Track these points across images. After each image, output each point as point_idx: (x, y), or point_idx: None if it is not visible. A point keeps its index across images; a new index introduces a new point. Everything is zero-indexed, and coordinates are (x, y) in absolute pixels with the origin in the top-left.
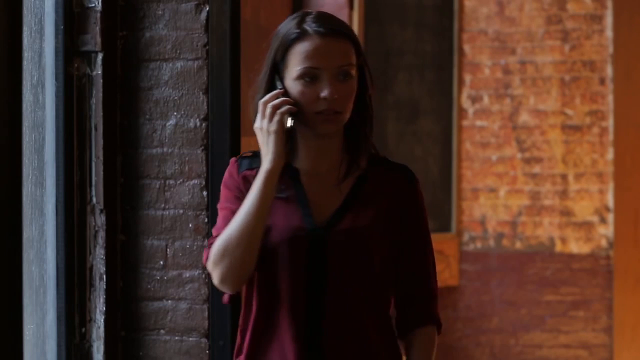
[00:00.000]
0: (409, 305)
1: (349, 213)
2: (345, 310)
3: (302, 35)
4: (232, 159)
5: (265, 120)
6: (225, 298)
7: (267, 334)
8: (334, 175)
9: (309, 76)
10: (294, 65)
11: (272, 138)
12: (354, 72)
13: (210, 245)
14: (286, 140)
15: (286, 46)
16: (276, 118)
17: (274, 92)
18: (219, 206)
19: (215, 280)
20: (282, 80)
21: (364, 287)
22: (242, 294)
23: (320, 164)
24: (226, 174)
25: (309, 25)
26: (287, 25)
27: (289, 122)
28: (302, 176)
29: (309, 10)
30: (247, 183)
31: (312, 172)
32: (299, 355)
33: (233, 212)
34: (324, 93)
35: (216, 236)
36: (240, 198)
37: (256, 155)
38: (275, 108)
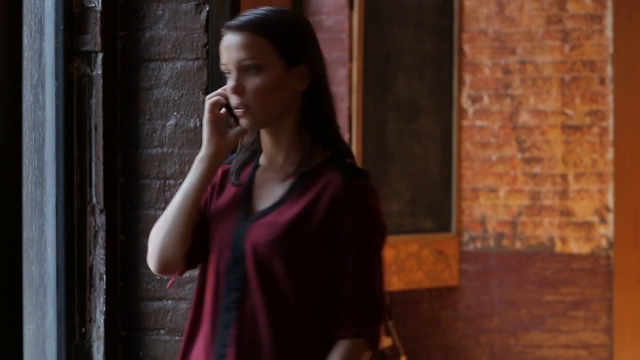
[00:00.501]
0: (339, 315)
1: (277, 209)
2: (257, 312)
3: (223, 32)
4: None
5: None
6: (168, 284)
7: (195, 329)
8: (273, 164)
9: (226, 71)
10: None
11: (204, 128)
12: (268, 65)
13: None
14: (241, 134)
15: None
16: (206, 108)
17: (220, 89)
18: None
19: (147, 259)
20: None
21: (278, 290)
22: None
23: (276, 159)
24: None
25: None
26: None
27: (229, 120)
28: (259, 171)
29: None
30: (218, 175)
31: (268, 167)
32: (208, 357)
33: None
34: (227, 87)
35: None
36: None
37: (244, 150)
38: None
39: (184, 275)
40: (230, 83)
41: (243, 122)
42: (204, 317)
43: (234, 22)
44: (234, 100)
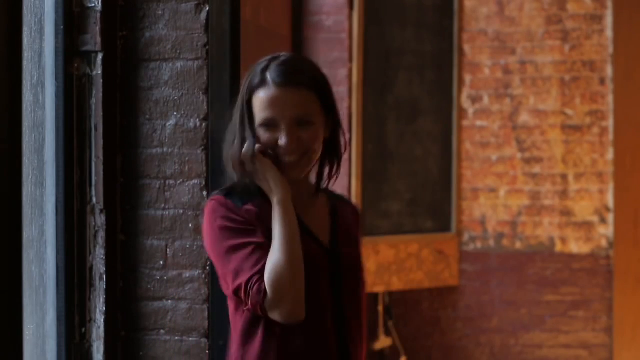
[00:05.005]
0: None
1: (338, 237)
2: (356, 322)
3: (262, 84)
4: (218, 197)
5: (255, 167)
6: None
7: (294, 349)
8: (304, 203)
9: (268, 124)
10: (257, 112)
11: (268, 176)
12: (316, 119)
13: (250, 286)
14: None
15: (251, 91)
16: (255, 156)
17: (248, 142)
18: (230, 244)
19: (284, 316)
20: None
21: (360, 298)
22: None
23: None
24: (221, 211)
25: (270, 74)
26: (256, 68)
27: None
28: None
29: (280, 54)
30: (255, 217)
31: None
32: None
33: (261, 245)
34: (281, 142)
35: (254, 275)
36: (256, 231)
37: (238, 191)
38: (251, 155)
39: (184, 276)
40: (285, 138)
41: (294, 173)
42: (305, 338)
43: (281, 77)
44: (282, 152)
